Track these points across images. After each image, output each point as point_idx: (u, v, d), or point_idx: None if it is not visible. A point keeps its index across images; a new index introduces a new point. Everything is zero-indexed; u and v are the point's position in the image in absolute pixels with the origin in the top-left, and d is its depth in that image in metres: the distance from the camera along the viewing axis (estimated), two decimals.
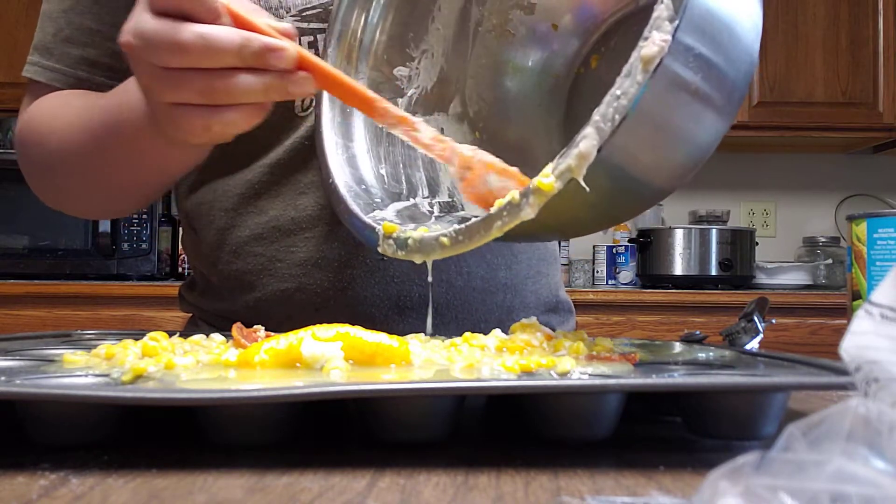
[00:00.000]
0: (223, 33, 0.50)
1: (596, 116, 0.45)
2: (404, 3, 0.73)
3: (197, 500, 0.31)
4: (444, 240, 0.53)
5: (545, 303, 0.84)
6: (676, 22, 0.42)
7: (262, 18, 0.52)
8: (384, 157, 0.70)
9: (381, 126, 0.56)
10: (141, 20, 0.51)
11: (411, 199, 0.69)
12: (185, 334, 0.57)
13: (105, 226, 2.33)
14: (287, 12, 0.74)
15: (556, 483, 0.34)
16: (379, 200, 0.66)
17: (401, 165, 0.71)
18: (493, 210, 0.50)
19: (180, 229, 0.86)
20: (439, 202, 0.69)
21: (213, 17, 0.50)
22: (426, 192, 0.71)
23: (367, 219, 0.60)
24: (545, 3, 0.74)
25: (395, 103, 0.72)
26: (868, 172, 2.92)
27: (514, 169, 0.53)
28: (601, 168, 0.46)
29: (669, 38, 0.42)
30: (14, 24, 2.53)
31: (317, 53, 0.72)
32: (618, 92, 0.44)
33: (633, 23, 0.71)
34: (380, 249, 0.58)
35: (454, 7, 0.74)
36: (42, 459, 0.36)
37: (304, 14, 0.73)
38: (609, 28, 0.73)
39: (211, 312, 0.83)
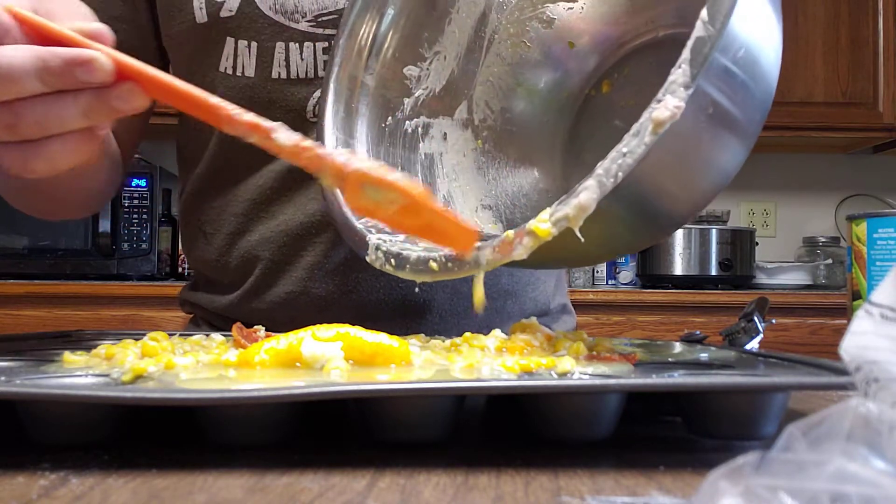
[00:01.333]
0: (15, 56, 0.41)
1: (599, 170, 0.45)
2: (423, 2, 0.73)
3: (197, 500, 0.31)
4: (434, 265, 0.53)
5: (540, 309, 0.84)
6: (691, 90, 0.43)
7: (68, 23, 0.43)
8: (383, 157, 0.70)
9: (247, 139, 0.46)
10: None
11: None
12: (186, 335, 0.57)
13: (105, 226, 2.33)
14: (303, 17, 0.74)
15: (556, 483, 0.34)
16: None
17: (399, 167, 0.71)
18: (484, 245, 0.50)
19: (180, 233, 0.85)
20: None
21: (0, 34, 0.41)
22: None
23: (359, 224, 0.60)
24: (565, 20, 0.74)
25: (402, 103, 0.72)
26: (868, 172, 2.92)
27: (396, 176, 0.45)
28: (603, 216, 0.46)
29: (682, 104, 0.43)
30: None
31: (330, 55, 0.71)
32: (624, 150, 0.44)
33: (650, 54, 0.71)
34: (369, 259, 0.57)
35: (473, 12, 0.74)
36: (42, 459, 0.36)
37: (319, 19, 0.73)
38: (625, 54, 0.73)
39: (213, 314, 0.83)
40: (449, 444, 0.40)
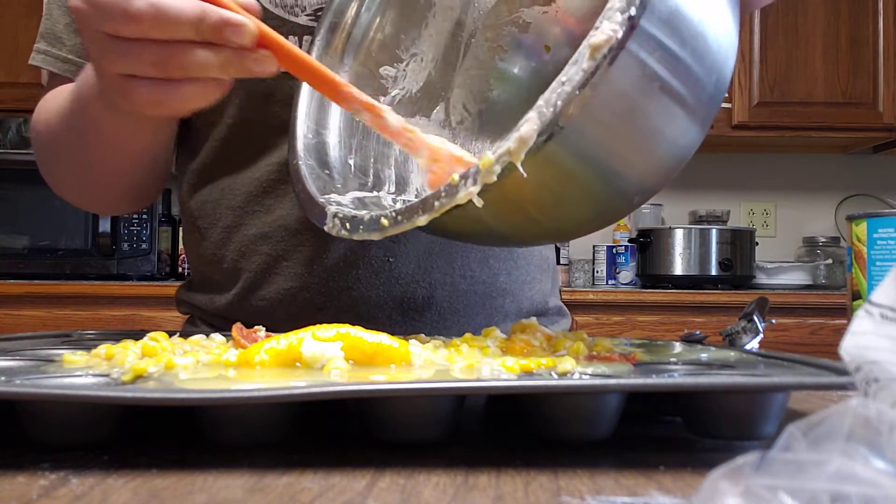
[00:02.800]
0: (179, 4, 0.46)
1: (540, 101, 0.44)
2: (403, 4, 0.73)
3: (197, 500, 0.31)
4: (384, 221, 0.52)
5: (537, 308, 0.85)
6: (630, 11, 0.43)
7: None
8: (355, 149, 0.70)
9: (353, 116, 0.53)
10: None
11: (375, 192, 0.68)
12: (185, 335, 0.57)
13: (105, 226, 2.33)
14: (302, 11, 0.74)
15: (556, 483, 0.34)
16: (339, 186, 0.66)
17: (371, 159, 0.71)
18: (431, 193, 0.49)
19: (181, 229, 0.86)
20: (403, 199, 0.69)
21: None
22: (392, 189, 0.71)
23: (321, 199, 0.60)
24: (540, 24, 0.74)
25: (377, 101, 0.72)
26: (868, 172, 2.92)
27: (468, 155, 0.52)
28: (551, 165, 0.46)
29: (618, 28, 0.43)
30: (14, 24, 2.53)
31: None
32: (563, 78, 0.44)
33: None
34: (326, 228, 0.56)
35: (450, 17, 0.75)
36: (42, 459, 0.36)
37: (318, 13, 0.74)
38: None
39: (211, 313, 0.83)
40: (449, 444, 0.40)
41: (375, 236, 0.53)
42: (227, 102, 0.75)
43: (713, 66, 0.49)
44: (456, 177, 0.48)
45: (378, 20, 0.72)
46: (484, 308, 0.79)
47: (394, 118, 0.49)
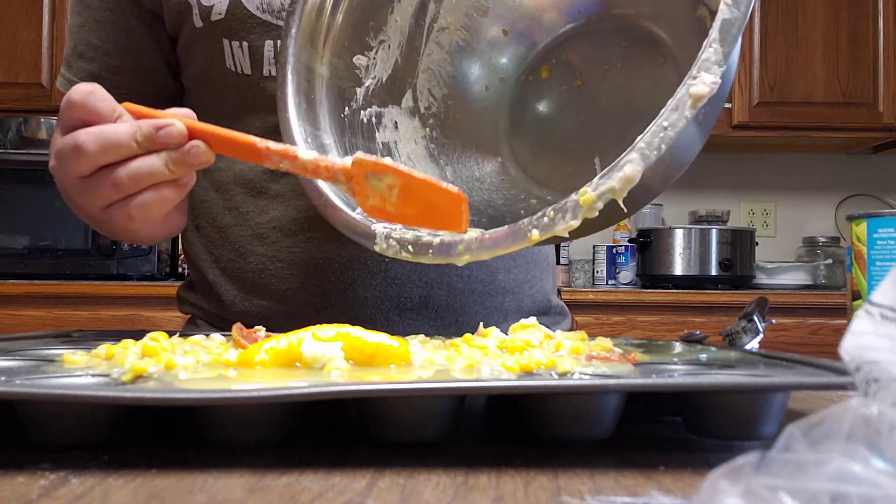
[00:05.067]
0: (115, 126, 0.53)
1: (641, 143, 0.47)
2: None
3: (197, 500, 0.31)
4: (461, 248, 0.53)
5: (539, 307, 0.85)
6: (723, 68, 0.46)
7: (163, 111, 0.55)
8: (348, 148, 0.69)
9: (271, 166, 0.54)
10: (55, 143, 0.55)
11: None
12: (185, 335, 0.57)
13: None
14: None
15: (556, 483, 0.34)
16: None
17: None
18: (521, 223, 0.51)
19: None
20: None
21: (113, 119, 0.53)
22: None
23: (360, 216, 0.60)
24: (498, 8, 0.76)
25: (354, 93, 0.72)
26: (868, 172, 2.92)
27: (388, 160, 0.51)
28: None
29: (718, 80, 0.46)
30: (14, 24, 2.53)
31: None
32: (665, 123, 0.46)
33: (588, 43, 0.74)
34: (378, 249, 0.57)
35: (413, 1, 0.75)
36: (42, 459, 0.36)
37: None
38: (560, 41, 0.76)
39: (211, 312, 0.83)
40: (449, 444, 0.40)
41: (451, 261, 0.53)
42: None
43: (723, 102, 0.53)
44: (552, 212, 0.49)
45: (345, 6, 0.72)
46: (483, 307, 0.79)
47: (307, 155, 0.52)
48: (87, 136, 0.53)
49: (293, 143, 0.65)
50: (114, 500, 0.31)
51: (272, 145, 0.52)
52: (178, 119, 0.53)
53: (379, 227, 0.58)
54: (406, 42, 0.75)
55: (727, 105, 2.56)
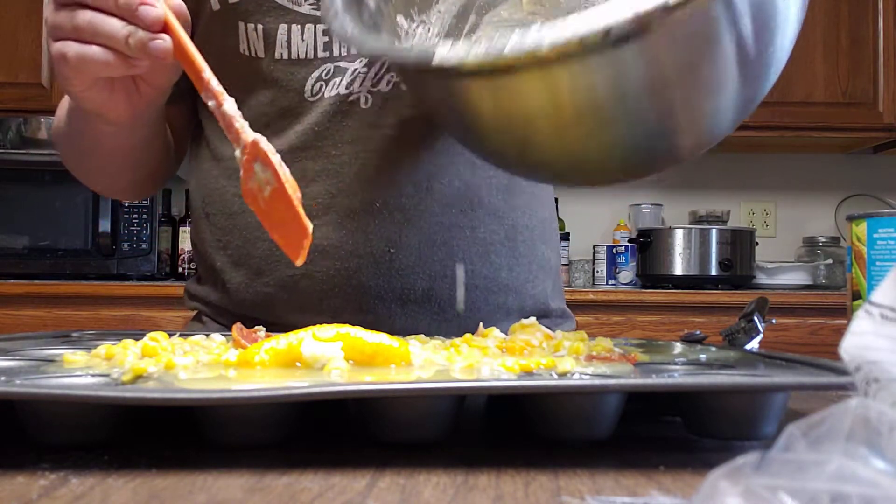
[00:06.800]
0: None
1: None
2: None
3: (197, 500, 0.31)
4: (531, 38, 0.46)
5: (540, 308, 0.85)
6: None
7: None
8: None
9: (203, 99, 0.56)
10: None
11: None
12: (187, 334, 0.57)
13: (105, 226, 2.33)
14: (305, 0, 0.76)
15: (556, 483, 0.34)
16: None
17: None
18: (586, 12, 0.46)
19: (188, 220, 0.89)
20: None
21: None
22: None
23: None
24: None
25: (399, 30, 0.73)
26: (868, 172, 2.92)
27: (278, 159, 0.53)
28: (629, 68, 0.47)
29: None
30: (14, 24, 2.53)
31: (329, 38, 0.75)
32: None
33: None
34: (437, 60, 0.49)
35: (458, 1, 0.74)
36: (42, 459, 0.36)
37: (320, 2, 0.75)
38: None
39: (216, 305, 0.83)
40: (449, 444, 0.40)
41: (523, 60, 0.47)
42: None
43: (781, 46, 0.49)
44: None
45: None
46: (486, 303, 0.79)
47: (231, 108, 0.54)
48: None
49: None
50: (114, 500, 0.31)
51: (213, 83, 0.54)
52: (164, 6, 0.55)
53: (440, 47, 0.51)
54: (443, 36, 0.75)
55: None
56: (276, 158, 0.52)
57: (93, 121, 0.67)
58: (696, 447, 0.41)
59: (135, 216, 2.36)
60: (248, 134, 0.53)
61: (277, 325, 0.75)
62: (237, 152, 0.54)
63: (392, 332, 0.74)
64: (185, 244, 2.58)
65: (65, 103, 0.79)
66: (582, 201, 2.89)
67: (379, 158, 0.75)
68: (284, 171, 0.52)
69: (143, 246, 2.37)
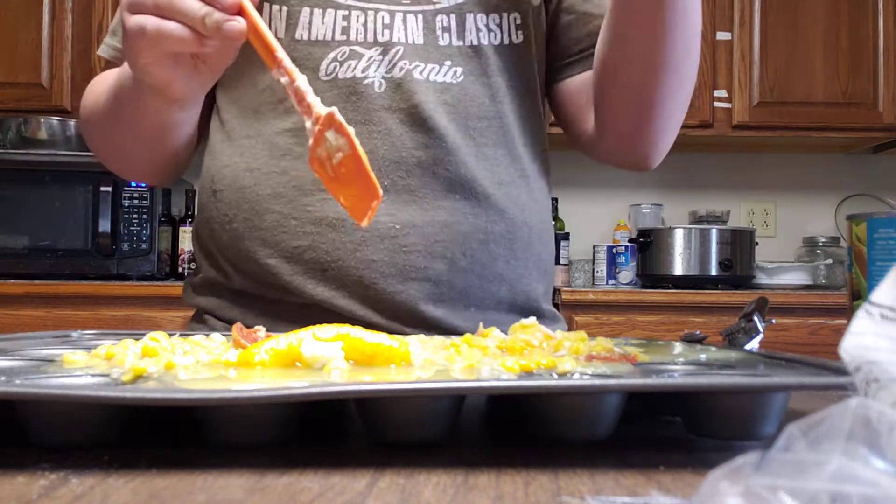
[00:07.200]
0: None
1: None
2: None
3: (197, 500, 0.31)
4: None
5: (532, 306, 0.86)
6: None
7: None
8: None
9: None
10: None
11: None
12: (187, 334, 0.57)
13: (105, 226, 2.33)
14: None
15: (556, 483, 0.34)
16: None
17: None
18: None
19: (196, 200, 0.91)
20: None
21: None
22: None
23: None
24: None
25: None
26: (868, 172, 2.92)
27: (352, 130, 0.57)
28: None
29: None
30: (14, 24, 2.53)
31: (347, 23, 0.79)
32: None
33: None
34: None
35: None
36: (42, 459, 0.36)
37: None
38: None
39: (219, 286, 0.84)
40: (449, 444, 0.40)
41: None
42: (244, 69, 0.82)
43: None
44: None
45: None
46: (480, 290, 0.81)
47: (303, 84, 0.58)
48: None
49: None
50: (114, 500, 0.31)
51: (286, 62, 0.58)
52: None
53: None
54: None
55: (727, 105, 2.56)
56: (350, 129, 0.56)
57: (146, 96, 0.70)
58: (696, 447, 0.41)
59: (135, 216, 2.36)
60: (321, 107, 0.57)
61: (275, 304, 0.79)
62: (308, 123, 0.58)
63: (391, 308, 0.77)
64: (185, 244, 2.58)
65: (103, 82, 0.83)
66: (582, 201, 2.89)
67: (389, 140, 0.78)
68: (357, 141, 0.56)
69: (143, 246, 2.37)
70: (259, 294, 0.81)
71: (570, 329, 0.90)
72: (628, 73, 0.80)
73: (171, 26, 0.60)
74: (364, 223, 0.57)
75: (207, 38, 0.60)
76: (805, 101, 2.58)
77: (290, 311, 0.79)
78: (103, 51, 0.90)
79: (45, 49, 2.52)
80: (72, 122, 2.44)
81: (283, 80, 0.58)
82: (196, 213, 0.89)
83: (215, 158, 0.85)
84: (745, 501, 0.22)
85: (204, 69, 0.66)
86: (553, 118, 0.96)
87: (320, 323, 0.75)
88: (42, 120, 2.42)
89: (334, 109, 0.57)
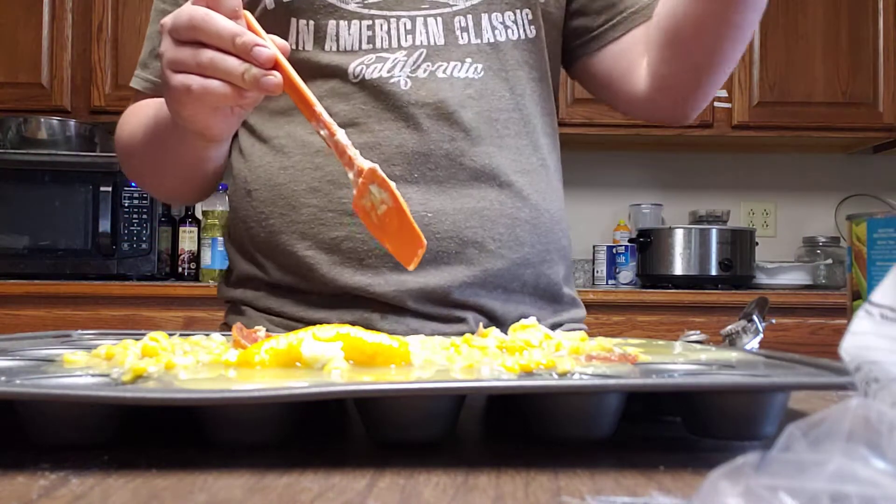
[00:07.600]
0: (227, 20, 0.62)
1: None
2: None
3: (197, 500, 0.31)
4: None
5: (554, 290, 0.89)
6: None
7: (266, 34, 0.63)
8: None
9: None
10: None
11: None
12: (187, 334, 0.57)
13: (105, 226, 2.33)
14: None
15: (556, 483, 0.34)
16: None
17: None
18: None
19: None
20: None
21: (230, 13, 0.62)
22: None
23: None
24: None
25: None
26: (868, 172, 2.92)
27: (394, 185, 0.59)
28: None
29: None
30: (14, 24, 2.53)
31: (372, 34, 0.84)
32: None
33: None
34: None
35: None
36: (42, 459, 0.36)
37: (365, 1, 0.84)
38: None
39: (259, 280, 0.87)
40: (449, 444, 0.40)
41: None
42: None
43: None
44: None
45: None
46: (509, 272, 0.84)
47: (343, 138, 0.61)
48: (200, 9, 0.62)
49: None
50: (114, 500, 0.31)
51: (325, 116, 0.61)
52: (274, 47, 0.62)
53: None
54: None
55: (727, 105, 2.56)
56: (392, 184, 0.59)
57: (189, 137, 0.74)
58: (696, 447, 0.41)
59: (135, 216, 2.36)
60: (362, 161, 0.60)
61: (311, 295, 0.83)
62: (350, 175, 0.61)
63: (424, 292, 0.81)
64: (185, 244, 2.57)
65: (139, 113, 0.89)
66: (582, 201, 2.89)
67: (417, 134, 0.82)
68: (399, 194, 0.59)
69: (143, 246, 2.37)
70: (296, 286, 0.84)
71: (588, 314, 0.95)
72: (705, 30, 0.82)
73: (215, 84, 0.63)
74: (411, 267, 0.61)
75: (247, 91, 0.63)
76: (805, 101, 2.58)
77: (327, 300, 0.83)
78: (137, 83, 0.95)
79: (45, 49, 2.52)
80: (72, 122, 2.44)
81: (323, 132, 0.61)
82: (229, 213, 0.94)
83: (247, 160, 0.89)
84: (745, 501, 0.22)
85: (239, 112, 0.70)
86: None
87: (355, 309, 0.77)
88: (42, 120, 2.42)
89: (376, 166, 0.59)
